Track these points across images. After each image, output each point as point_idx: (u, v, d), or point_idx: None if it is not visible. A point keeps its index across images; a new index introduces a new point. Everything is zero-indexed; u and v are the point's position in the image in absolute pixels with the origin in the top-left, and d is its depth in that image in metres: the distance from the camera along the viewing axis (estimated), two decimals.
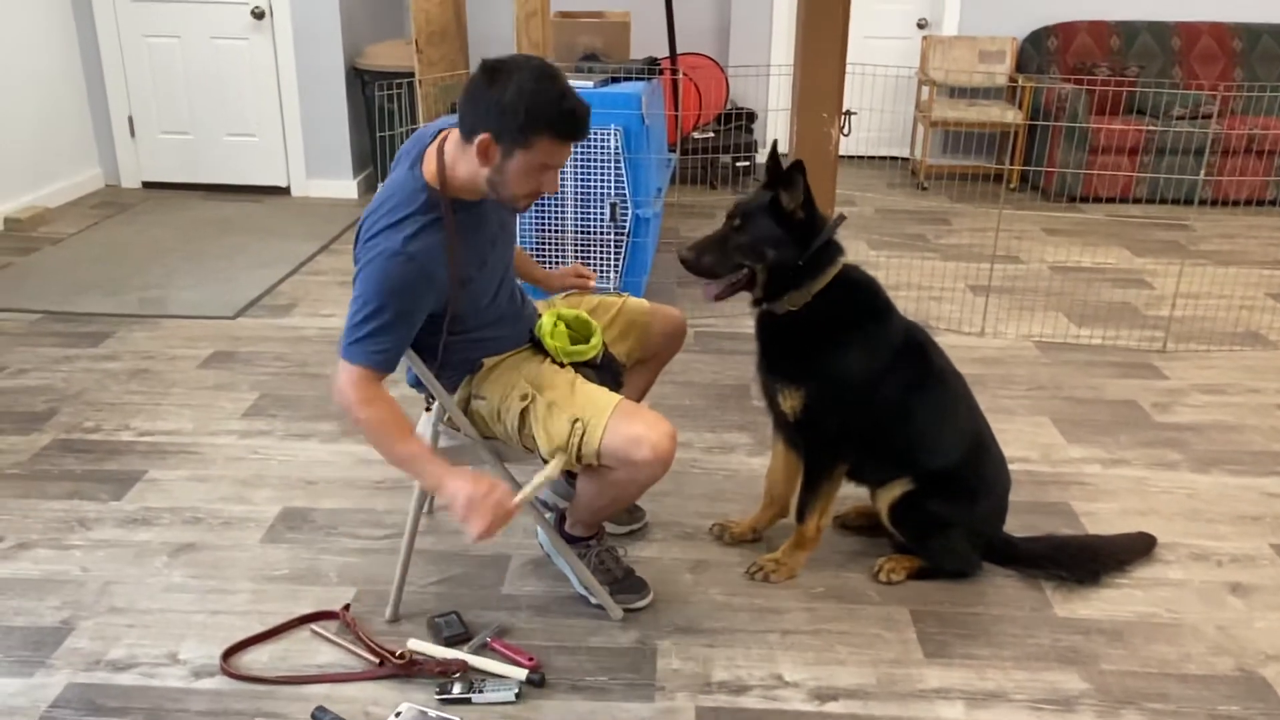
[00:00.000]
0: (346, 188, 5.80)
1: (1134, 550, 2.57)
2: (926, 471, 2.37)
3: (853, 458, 2.39)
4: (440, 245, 1.97)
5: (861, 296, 2.32)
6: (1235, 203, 5.88)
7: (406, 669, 2.10)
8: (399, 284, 1.92)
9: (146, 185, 5.88)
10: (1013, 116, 6.19)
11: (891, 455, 2.38)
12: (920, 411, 2.36)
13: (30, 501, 2.72)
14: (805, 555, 2.48)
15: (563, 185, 3.90)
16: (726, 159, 6.11)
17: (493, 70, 1.90)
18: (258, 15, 5.51)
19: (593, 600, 2.31)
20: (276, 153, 5.80)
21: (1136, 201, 5.98)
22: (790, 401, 2.31)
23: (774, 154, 2.28)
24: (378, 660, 2.12)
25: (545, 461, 2.09)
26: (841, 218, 2.32)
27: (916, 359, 2.36)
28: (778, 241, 2.21)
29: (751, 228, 2.22)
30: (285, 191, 5.86)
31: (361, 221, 2.04)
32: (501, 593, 2.39)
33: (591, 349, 2.21)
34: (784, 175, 2.20)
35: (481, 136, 1.90)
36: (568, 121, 1.91)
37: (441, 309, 2.03)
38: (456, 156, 1.98)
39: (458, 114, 1.98)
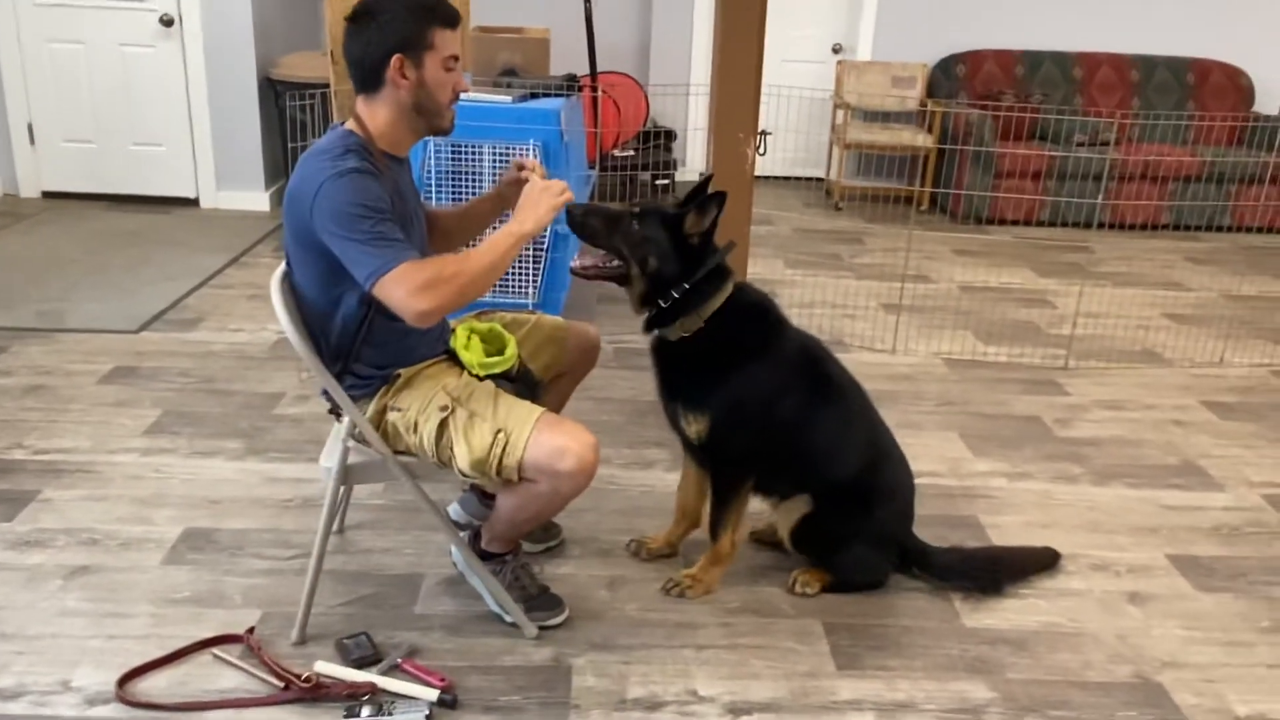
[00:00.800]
0: (258, 199, 5.67)
1: (1037, 563, 2.64)
2: (826, 486, 2.40)
3: (759, 472, 2.41)
4: (378, 174, 2.00)
5: (755, 316, 2.34)
6: (1132, 226, 6.13)
7: (313, 692, 2.04)
8: (368, 193, 1.95)
9: (46, 195, 5.65)
10: (923, 140, 6.36)
11: (793, 469, 2.41)
12: (818, 425, 2.39)
13: None
14: (721, 571, 2.49)
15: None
16: (646, 177, 6.14)
17: (358, 14, 2.03)
18: (166, 23, 5.37)
19: (507, 618, 2.29)
20: (185, 163, 5.64)
21: (1040, 224, 6.18)
22: (695, 426, 2.32)
23: (703, 184, 2.29)
24: (283, 684, 2.06)
25: (463, 476, 2.07)
26: (731, 245, 2.34)
27: (812, 374, 2.39)
28: (663, 253, 2.21)
29: (647, 226, 2.22)
30: (194, 203, 5.70)
31: (293, 189, 2.01)
32: (414, 612, 2.35)
33: (506, 360, 2.20)
34: (702, 200, 2.21)
35: (392, 60, 2.00)
36: (443, 6, 2.06)
37: None
38: (370, 112, 2.07)
39: (351, 74, 2.07)
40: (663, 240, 2.21)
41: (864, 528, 2.44)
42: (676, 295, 2.23)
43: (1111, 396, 3.76)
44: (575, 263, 2.28)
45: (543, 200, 2.06)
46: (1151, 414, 3.62)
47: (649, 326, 2.31)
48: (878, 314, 4.49)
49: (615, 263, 2.24)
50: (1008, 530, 2.81)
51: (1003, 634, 2.37)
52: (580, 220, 2.23)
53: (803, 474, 2.41)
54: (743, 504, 2.42)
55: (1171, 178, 6.08)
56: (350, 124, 2.08)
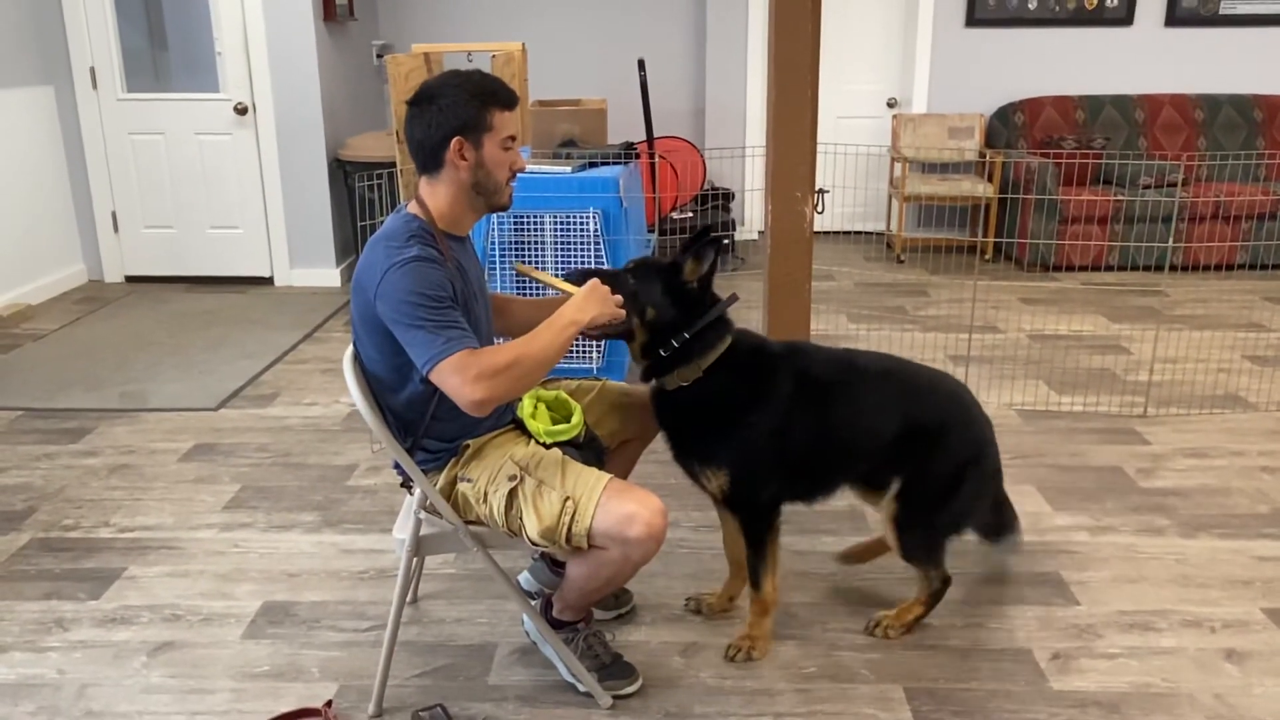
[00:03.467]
0: (329, 276, 5.84)
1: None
2: (882, 450, 2.38)
3: (783, 501, 2.39)
4: (440, 260, 2.04)
5: (751, 362, 2.32)
6: (1206, 267, 5.99)
7: None
8: (430, 281, 1.98)
9: (130, 279, 5.90)
10: (984, 190, 6.32)
11: (850, 459, 2.40)
12: (843, 415, 2.36)
13: (6, 604, 2.67)
14: (770, 619, 2.45)
15: (543, 267, 3.94)
16: None
17: (419, 99, 2.08)
18: (241, 111, 5.61)
19: (581, 688, 2.27)
20: (260, 243, 5.85)
21: (1110, 269, 6.07)
22: (715, 482, 2.31)
23: (701, 233, 2.29)
24: None
25: (533, 545, 2.08)
26: (734, 297, 2.33)
27: (807, 385, 2.34)
28: (659, 304, 2.23)
29: (641, 280, 2.24)
30: (269, 281, 5.89)
31: (359, 275, 2.07)
32: (488, 683, 2.34)
33: (573, 428, 2.21)
34: (697, 246, 2.22)
35: (452, 142, 2.05)
36: (502, 90, 2.10)
37: None
38: (431, 193, 2.13)
39: (412, 155, 2.13)
40: (657, 290, 2.23)
41: (951, 463, 2.41)
42: (676, 344, 2.23)
43: (1195, 444, 3.64)
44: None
45: (609, 300, 2.12)
46: (1239, 461, 3.50)
47: (646, 376, 2.31)
48: (946, 366, 4.43)
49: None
50: (1093, 586, 2.72)
51: (1093, 696, 2.28)
52: (580, 284, 2.22)
53: (863, 455, 2.39)
54: (776, 544, 2.39)
55: (1245, 216, 5.93)
56: (413, 207, 2.13)
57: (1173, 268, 5.97)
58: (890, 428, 2.38)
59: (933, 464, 2.39)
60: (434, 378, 1.96)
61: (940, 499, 2.42)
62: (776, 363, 2.35)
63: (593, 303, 2.10)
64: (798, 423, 2.31)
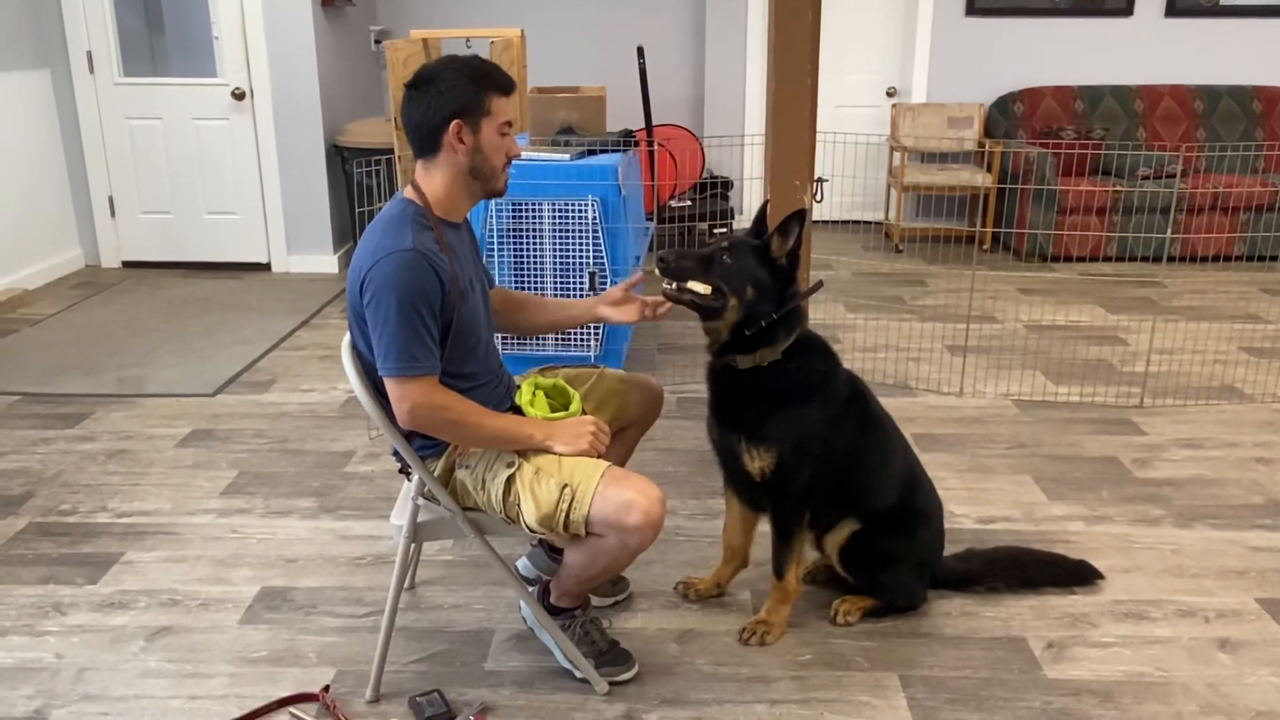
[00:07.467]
0: (327, 262, 5.83)
1: (1071, 574, 2.69)
2: (871, 511, 2.43)
3: (813, 503, 2.41)
4: (436, 243, 2.05)
5: (819, 354, 2.37)
6: (1204, 259, 5.99)
7: None
8: (412, 281, 1.98)
9: (127, 265, 5.89)
10: (982, 180, 6.31)
11: (841, 499, 2.43)
12: (865, 456, 2.42)
13: (4, 588, 2.67)
14: (789, 608, 2.48)
15: (542, 254, 3.94)
16: (703, 226, 6.18)
17: (417, 82, 2.09)
18: (239, 96, 5.59)
19: (577, 674, 2.28)
20: (257, 230, 5.83)
21: (1107, 260, 6.07)
22: (759, 462, 2.31)
23: (763, 211, 2.35)
24: None
25: (531, 532, 2.08)
26: (820, 284, 2.35)
27: (860, 408, 2.42)
28: (760, 284, 2.23)
29: (741, 259, 2.24)
30: (266, 268, 5.88)
31: (353, 262, 2.07)
32: (484, 669, 2.35)
33: (571, 415, 2.21)
34: (783, 222, 2.23)
35: (451, 125, 2.05)
36: (499, 75, 2.11)
37: (444, 324, 2.06)
38: (427, 177, 2.13)
39: (409, 138, 2.13)
40: (758, 270, 2.23)
41: (909, 548, 2.48)
42: (764, 325, 2.24)
43: (1190, 435, 3.65)
44: (667, 289, 2.26)
45: (583, 435, 2.12)
46: (1234, 452, 3.51)
47: (724, 351, 2.30)
48: (943, 356, 4.44)
49: (712, 296, 2.23)
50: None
51: (1086, 685, 2.29)
52: (675, 266, 2.24)
53: (848, 503, 2.43)
54: (805, 536, 2.43)
55: (1243, 208, 5.94)
56: (409, 192, 2.13)
57: (1170, 259, 5.97)
58: (896, 482, 2.46)
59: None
60: (387, 382, 2.01)
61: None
62: (838, 367, 2.39)
63: (566, 434, 2.11)
64: (842, 432, 2.36)
